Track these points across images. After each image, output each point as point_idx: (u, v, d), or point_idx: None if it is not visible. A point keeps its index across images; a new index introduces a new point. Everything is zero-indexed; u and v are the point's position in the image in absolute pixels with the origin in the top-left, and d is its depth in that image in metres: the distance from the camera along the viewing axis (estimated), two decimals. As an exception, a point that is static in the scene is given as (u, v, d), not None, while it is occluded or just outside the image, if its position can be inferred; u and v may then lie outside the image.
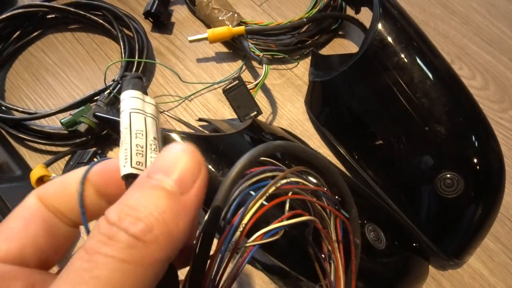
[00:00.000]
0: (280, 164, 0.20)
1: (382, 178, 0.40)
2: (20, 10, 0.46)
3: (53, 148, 0.44)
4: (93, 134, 0.42)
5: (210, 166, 0.33)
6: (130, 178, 0.13)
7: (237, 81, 0.39)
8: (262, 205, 0.17)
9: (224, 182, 0.15)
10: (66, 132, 0.42)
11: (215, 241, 0.16)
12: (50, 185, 0.15)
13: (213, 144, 0.34)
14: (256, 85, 0.42)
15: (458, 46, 0.52)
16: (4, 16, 0.46)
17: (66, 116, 0.41)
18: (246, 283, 0.38)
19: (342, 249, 0.22)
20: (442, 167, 0.36)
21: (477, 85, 0.50)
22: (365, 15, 0.50)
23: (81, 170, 0.15)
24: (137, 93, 0.15)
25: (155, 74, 0.49)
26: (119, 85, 0.44)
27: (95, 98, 0.44)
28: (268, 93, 0.48)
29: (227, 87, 0.38)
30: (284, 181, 0.18)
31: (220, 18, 0.49)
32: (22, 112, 0.43)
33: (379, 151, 0.40)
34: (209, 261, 0.15)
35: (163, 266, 0.11)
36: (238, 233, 0.16)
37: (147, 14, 0.50)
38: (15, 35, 0.48)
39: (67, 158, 0.42)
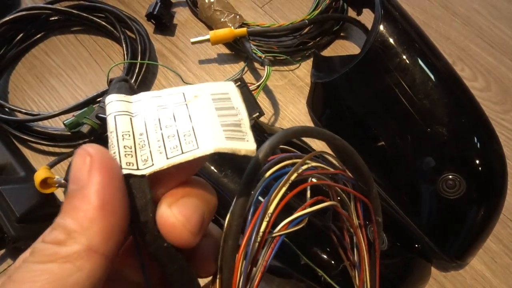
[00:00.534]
0: (295, 150, 0.19)
1: (383, 179, 0.40)
2: (23, 13, 0.47)
3: (56, 149, 0.44)
4: (96, 135, 0.42)
5: (212, 167, 0.33)
6: (127, 179, 0.13)
7: (239, 83, 0.39)
8: (285, 193, 0.17)
9: (247, 172, 0.16)
10: (69, 133, 0.42)
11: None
12: None
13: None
14: (258, 86, 0.42)
15: (460, 48, 0.52)
16: (7, 18, 0.46)
17: (69, 118, 0.41)
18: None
19: (364, 230, 0.22)
20: (444, 168, 0.36)
21: (479, 86, 0.50)
22: (367, 17, 0.50)
23: None
24: (120, 96, 0.15)
25: (157, 76, 0.49)
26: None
27: (98, 99, 0.44)
28: (270, 94, 0.48)
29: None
30: (305, 166, 0.18)
31: (222, 19, 0.49)
32: (26, 113, 0.44)
33: (381, 152, 0.40)
34: (237, 255, 0.15)
35: (88, 257, 0.11)
36: (264, 224, 0.16)
37: (149, 16, 0.50)
38: (18, 38, 0.49)
39: (70, 159, 0.43)
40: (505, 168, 0.37)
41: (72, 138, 0.43)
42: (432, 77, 0.38)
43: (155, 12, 0.49)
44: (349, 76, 0.41)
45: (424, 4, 0.56)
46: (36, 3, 0.53)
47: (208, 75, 0.49)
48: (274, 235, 0.17)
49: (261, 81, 0.42)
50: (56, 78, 0.49)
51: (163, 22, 0.51)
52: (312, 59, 0.50)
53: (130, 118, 0.14)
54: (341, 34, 0.53)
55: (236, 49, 0.51)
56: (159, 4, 0.49)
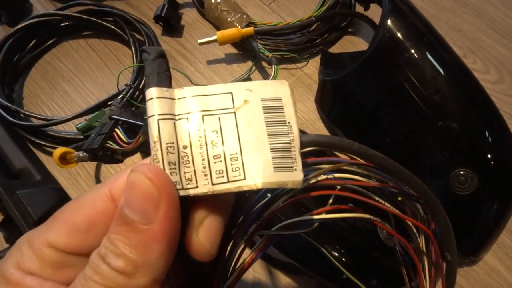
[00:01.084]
0: (340, 157, 0.18)
1: (394, 176, 0.40)
2: (36, 20, 0.48)
3: (70, 153, 0.45)
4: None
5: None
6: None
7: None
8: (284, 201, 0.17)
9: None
10: (82, 136, 0.43)
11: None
12: (122, 179, 0.15)
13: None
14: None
15: (471, 40, 0.51)
16: (20, 26, 0.47)
17: (82, 122, 0.42)
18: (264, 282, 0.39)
19: (428, 257, 0.20)
20: (456, 164, 0.36)
21: (492, 78, 0.49)
22: (375, 11, 0.49)
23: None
24: (162, 91, 0.13)
25: (166, 78, 0.50)
26: (131, 89, 0.45)
27: (109, 103, 0.45)
28: (279, 93, 0.48)
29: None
30: (338, 175, 0.17)
31: (229, 19, 0.49)
32: (40, 119, 0.45)
33: (391, 148, 0.40)
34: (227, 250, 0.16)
35: (150, 280, 0.13)
36: (253, 226, 0.16)
37: (157, 18, 0.51)
38: (31, 44, 0.50)
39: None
40: (519, 162, 0.37)
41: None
42: (442, 71, 0.38)
43: (162, 14, 0.49)
44: (358, 72, 0.41)
45: (433, -4, 0.55)
46: (47, 10, 0.54)
47: (216, 75, 0.50)
48: (268, 233, 0.17)
49: (269, 80, 0.42)
50: (68, 82, 0.50)
51: (171, 24, 0.51)
52: (319, 56, 0.49)
53: (174, 123, 0.13)
54: (349, 29, 0.52)
55: (244, 49, 0.51)
56: (166, 6, 0.50)
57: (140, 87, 0.45)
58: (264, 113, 0.14)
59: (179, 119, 0.13)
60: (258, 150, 0.13)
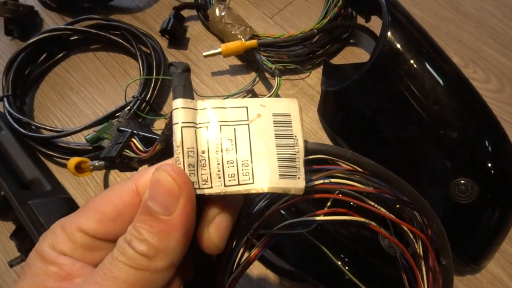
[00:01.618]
0: (342, 166, 0.19)
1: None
2: (46, 34, 0.49)
3: (79, 163, 0.47)
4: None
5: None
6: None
7: (250, 95, 0.40)
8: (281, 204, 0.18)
9: None
10: (91, 147, 0.44)
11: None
12: (147, 175, 0.17)
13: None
14: (270, 96, 0.43)
15: (472, 50, 0.52)
16: (31, 41, 0.49)
17: (90, 133, 0.43)
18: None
19: (425, 263, 0.20)
20: (456, 173, 0.36)
21: (493, 88, 0.50)
22: (376, 23, 0.50)
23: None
24: (186, 102, 0.15)
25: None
26: (138, 101, 0.46)
27: (117, 114, 0.46)
28: (282, 104, 0.49)
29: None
30: (327, 180, 0.18)
31: (233, 32, 0.50)
32: (50, 130, 0.46)
33: (393, 158, 0.40)
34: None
35: (168, 270, 0.15)
36: (256, 224, 0.18)
37: (163, 32, 0.52)
38: (41, 58, 0.52)
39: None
40: (519, 170, 0.37)
41: (94, 152, 0.45)
42: (441, 81, 0.38)
43: (168, 28, 0.51)
44: (359, 83, 0.42)
45: (434, 7, 0.56)
46: (57, 24, 0.56)
47: (220, 86, 0.51)
48: (272, 231, 0.19)
49: (272, 91, 0.43)
50: (77, 94, 0.52)
51: (177, 37, 0.53)
52: (322, 67, 0.50)
53: (195, 131, 0.15)
54: (351, 40, 0.53)
55: (248, 60, 0.52)
56: (172, 20, 0.51)
57: (147, 99, 0.47)
58: (274, 126, 0.16)
59: (199, 127, 0.15)
60: (267, 158, 0.15)
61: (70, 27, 0.51)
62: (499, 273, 0.39)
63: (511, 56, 0.51)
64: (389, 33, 0.40)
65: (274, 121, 0.16)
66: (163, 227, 0.14)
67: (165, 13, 0.56)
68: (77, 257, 0.17)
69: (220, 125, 0.15)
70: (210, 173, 0.15)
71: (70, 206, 0.39)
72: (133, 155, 0.34)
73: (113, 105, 0.50)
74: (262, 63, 0.46)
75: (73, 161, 0.35)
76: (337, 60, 0.52)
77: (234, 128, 0.15)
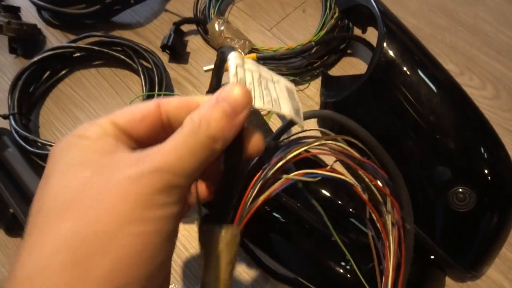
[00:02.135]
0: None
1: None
2: (50, 52, 0.51)
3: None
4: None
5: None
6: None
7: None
8: (300, 153, 0.28)
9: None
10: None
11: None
12: (174, 99, 0.21)
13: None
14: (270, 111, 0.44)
15: (467, 57, 0.53)
16: (35, 59, 0.50)
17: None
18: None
19: (396, 230, 0.27)
20: (453, 182, 0.37)
21: (488, 94, 0.50)
22: (372, 33, 0.51)
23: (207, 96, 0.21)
24: (239, 53, 0.22)
25: (174, 103, 0.52)
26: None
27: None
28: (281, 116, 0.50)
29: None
30: (329, 142, 0.30)
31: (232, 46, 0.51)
32: (56, 147, 0.47)
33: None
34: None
35: (219, 148, 0.19)
36: (273, 169, 0.27)
37: (164, 47, 0.53)
38: (45, 75, 0.53)
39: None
40: (515, 176, 0.38)
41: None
42: (435, 90, 0.39)
43: (169, 44, 0.52)
44: (357, 94, 0.43)
45: (429, 16, 0.57)
46: (60, 42, 0.57)
47: (221, 99, 0.52)
48: (288, 176, 0.29)
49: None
50: (80, 110, 0.53)
51: (177, 52, 0.54)
52: (320, 78, 0.51)
53: (244, 70, 0.21)
54: (348, 51, 0.54)
55: (247, 73, 0.53)
56: (172, 35, 0.52)
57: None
58: (287, 91, 0.23)
59: (247, 69, 0.21)
60: (286, 102, 0.22)
61: (73, 44, 0.52)
62: (499, 278, 0.40)
63: (506, 62, 0.52)
64: (384, 44, 0.41)
65: (286, 88, 0.23)
66: (228, 122, 0.19)
67: (165, 28, 0.57)
68: None
69: (259, 72, 0.22)
70: (255, 95, 0.20)
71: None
72: None
73: (117, 120, 0.51)
74: (262, 76, 0.47)
75: None
76: (335, 71, 0.53)
77: (267, 79, 0.22)
